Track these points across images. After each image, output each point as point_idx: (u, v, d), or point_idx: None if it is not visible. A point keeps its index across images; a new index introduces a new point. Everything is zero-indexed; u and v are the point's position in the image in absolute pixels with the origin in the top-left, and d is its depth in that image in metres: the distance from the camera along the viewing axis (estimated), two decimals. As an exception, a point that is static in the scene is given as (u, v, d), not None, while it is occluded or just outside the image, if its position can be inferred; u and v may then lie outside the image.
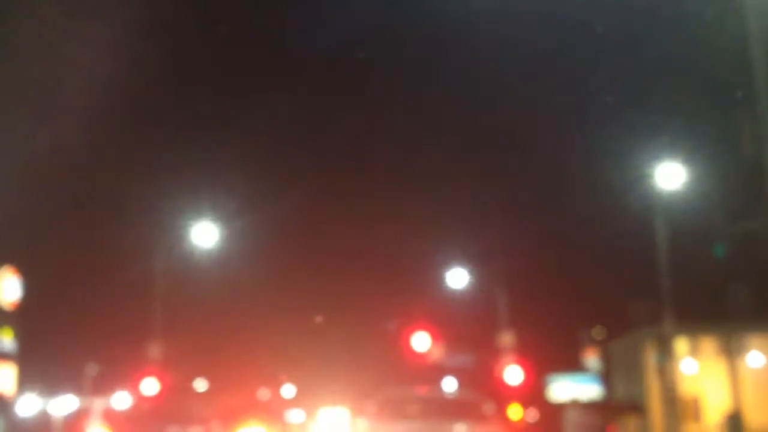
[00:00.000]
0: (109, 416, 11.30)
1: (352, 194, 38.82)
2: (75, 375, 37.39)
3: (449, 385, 37.22)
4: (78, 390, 37.11)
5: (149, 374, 25.47)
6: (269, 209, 35.12)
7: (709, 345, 38.42)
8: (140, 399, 11.95)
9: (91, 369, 35.03)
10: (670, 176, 26.91)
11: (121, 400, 27.68)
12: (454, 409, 13.29)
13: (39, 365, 36.50)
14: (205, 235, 30.81)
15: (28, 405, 38.15)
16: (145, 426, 10.74)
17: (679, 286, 29.85)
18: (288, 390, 43.62)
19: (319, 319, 38.16)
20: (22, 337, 34.16)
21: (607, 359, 42.11)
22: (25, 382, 36.56)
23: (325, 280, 38.60)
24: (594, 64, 29.28)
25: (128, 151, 35.81)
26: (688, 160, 26.45)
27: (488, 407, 13.38)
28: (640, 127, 29.05)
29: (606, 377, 41.68)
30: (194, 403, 11.35)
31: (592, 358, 41.84)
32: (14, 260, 32.82)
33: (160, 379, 23.11)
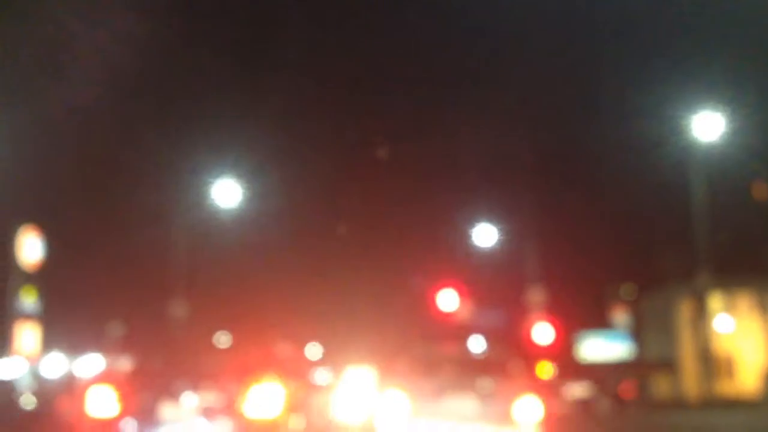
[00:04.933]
0: (113, 374, 10.75)
1: (379, 149, 37.94)
2: (100, 334, 37.20)
3: (477, 343, 36.69)
4: (104, 349, 36.94)
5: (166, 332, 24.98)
6: (293, 166, 34.47)
7: (744, 301, 37.48)
8: (147, 356, 11.38)
9: (115, 328, 34.78)
10: (707, 126, 25.97)
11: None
12: (481, 367, 13.00)
13: (64, 325, 36.37)
14: (227, 192, 30.36)
15: (55, 365, 38.07)
16: (151, 381, 10.15)
17: (714, 241, 29.03)
18: (315, 350, 43.35)
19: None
20: (45, 297, 34.03)
21: (638, 316, 41.32)
22: (50, 342, 36.49)
23: (351, 238, 38.01)
24: (629, 11, 28.14)
25: (150, 108, 35.19)
26: (726, 110, 25.43)
27: (514, 365, 13.05)
28: (677, 76, 27.96)
29: (637, 334, 40.93)
30: (209, 359, 10.78)
31: (621, 315, 41.14)
32: (35, 220, 32.59)
33: (174, 336, 22.61)
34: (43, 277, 32.96)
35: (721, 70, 26.62)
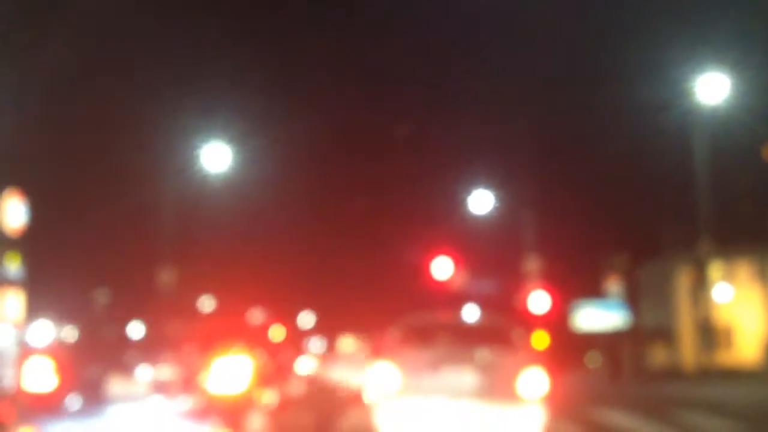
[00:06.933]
0: (55, 347, 9.88)
1: (372, 114, 37.20)
2: (88, 302, 36.54)
3: (472, 311, 36.13)
4: (91, 318, 36.30)
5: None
6: (284, 130, 33.63)
7: (744, 269, 36.90)
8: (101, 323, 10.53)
9: (102, 295, 34.11)
10: (711, 89, 25.07)
11: (133, 328, 26.65)
12: (481, 335, 12.16)
13: (51, 292, 35.63)
14: (217, 156, 29.50)
15: (41, 332, 37.40)
16: (100, 353, 9.31)
17: (715, 208, 28.35)
18: (308, 318, 42.86)
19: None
20: (30, 263, 33.18)
21: (634, 285, 40.72)
22: (37, 309, 35.74)
23: (344, 204, 37.32)
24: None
25: (136, 69, 34.26)
26: (731, 72, 24.52)
27: (517, 334, 12.18)
28: (680, 37, 27.06)
29: (633, 304, 40.36)
30: (182, 328, 9.91)
31: (616, 284, 40.53)
32: (19, 183, 31.66)
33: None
34: (28, 243, 32.12)
35: (726, 31, 25.75)
